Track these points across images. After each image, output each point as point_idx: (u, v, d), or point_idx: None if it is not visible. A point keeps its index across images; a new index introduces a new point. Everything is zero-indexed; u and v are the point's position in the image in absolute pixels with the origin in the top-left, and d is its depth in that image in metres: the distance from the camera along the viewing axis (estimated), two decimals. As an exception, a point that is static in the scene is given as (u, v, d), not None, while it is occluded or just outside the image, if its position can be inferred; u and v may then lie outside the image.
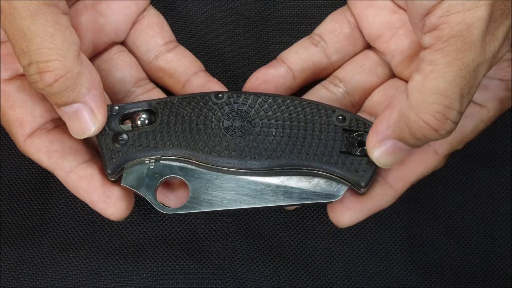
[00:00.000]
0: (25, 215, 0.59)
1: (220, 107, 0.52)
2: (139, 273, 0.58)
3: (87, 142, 0.53)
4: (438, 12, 0.44)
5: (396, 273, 0.59)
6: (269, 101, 0.52)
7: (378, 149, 0.48)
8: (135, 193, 0.52)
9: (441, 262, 0.59)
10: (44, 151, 0.51)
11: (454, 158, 0.60)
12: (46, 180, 0.60)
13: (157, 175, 0.51)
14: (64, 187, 0.52)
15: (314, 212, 0.60)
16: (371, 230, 0.60)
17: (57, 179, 0.52)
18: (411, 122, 0.45)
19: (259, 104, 0.52)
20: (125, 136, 0.51)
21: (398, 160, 0.49)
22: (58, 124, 0.53)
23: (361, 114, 0.55)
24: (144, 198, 0.51)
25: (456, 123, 0.45)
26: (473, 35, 0.43)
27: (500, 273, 0.59)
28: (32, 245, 0.59)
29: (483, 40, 0.44)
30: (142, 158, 0.51)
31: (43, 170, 0.59)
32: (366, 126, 0.51)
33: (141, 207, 0.59)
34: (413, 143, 0.47)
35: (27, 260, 0.58)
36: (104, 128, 0.51)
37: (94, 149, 0.54)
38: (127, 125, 0.52)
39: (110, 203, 0.51)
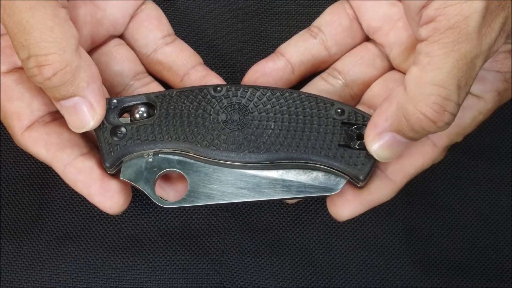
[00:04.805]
0: (23, 209, 0.59)
1: (218, 100, 0.52)
2: (137, 267, 0.58)
3: (85, 135, 0.53)
4: (434, 4, 0.44)
5: (394, 266, 0.59)
6: (267, 94, 0.52)
7: (376, 142, 0.48)
8: (133, 186, 0.52)
9: (439, 256, 0.59)
10: (41, 143, 0.51)
11: (452, 152, 0.60)
12: (44, 174, 0.60)
13: (155, 169, 0.51)
14: (62, 181, 0.52)
15: (313, 206, 0.60)
16: (369, 224, 0.60)
17: (55, 173, 0.52)
18: (409, 114, 0.45)
19: (257, 97, 0.52)
20: (123, 129, 0.51)
21: (396, 153, 0.49)
22: (56, 117, 0.53)
23: (360, 106, 0.55)
24: (142, 192, 0.51)
25: (454, 115, 0.45)
26: (469, 26, 0.43)
27: (498, 267, 0.59)
28: (31, 239, 0.59)
29: (480, 31, 0.44)
30: (141, 152, 0.51)
31: (41, 164, 0.59)
32: (364, 119, 0.51)
33: (139, 200, 0.59)
34: (412, 135, 0.47)
35: (26, 253, 0.58)
36: (102, 122, 0.51)
37: (92, 142, 0.54)
38: (126, 119, 0.52)
39: (108, 196, 0.51)
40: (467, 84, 0.45)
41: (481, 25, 0.43)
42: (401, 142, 0.48)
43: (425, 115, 0.45)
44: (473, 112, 0.53)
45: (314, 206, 0.60)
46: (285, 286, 0.58)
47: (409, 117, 0.45)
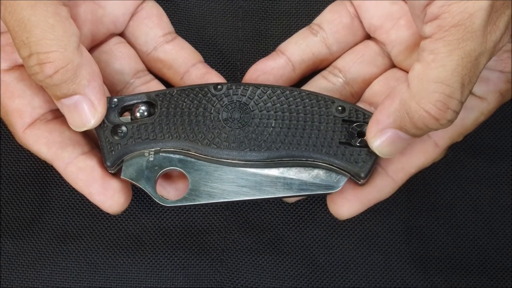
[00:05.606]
0: (24, 208, 0.59)
1: (219, 99, 0.52)
2: (138, 266, 0.58)
3: (86, 134, 0.53)
4: (439, 1, 0.44)
5: (394, 265, 0.59)
6: (268, 92, 0.52)
7: (378, 139, 0.48)
8: (134, 185, 0.52)
9: (439, 255, 0.59)
10: (43, 141, 0.51)
11: (453, 151, 0.60)
12: (45, 173, 0.60)
13: (156, 167, 0.51)
14: (63, 180, 0.52)
15: (313, 204, 0.60)
16: (369, 222, 0.60)
17: (56, 171, 0.52)
18: (412, 111, 0.45)
19: (258, 95, 0.52)
20: (124, 128, 0.51)
21: (398, 149, 0.49)
22: (57, 115, 0.52)
23: (360, 104, 0.55)
24: (143, 191, 0.51)
25: (457, 113, 0.45)
26: (474, 24, 0.43)
27: (498, 266, 0.59)
28: (31, 238, 0.59)
29: (485, 29, 0.44)
30: (142, 151, 0.51)
31: (41, 162, 0.59)
32: (365, 116, 0.51)
33: (140, 199, 0.59)
34: (414, 132, 0.47)
35: (26, 252, 0.58)
36: (103, 121, 0.51)
37: (93, 141, 0.54)
38: (126, 117, 0.52)
39: (108, 195, 0.51)
40: (470, 82, 0.45)
41: (486, 23, 0.43)
42: (403, 139, 0.48)
43: (428, 112, 0.45)
44: (475, 113, 0.53)
45: (315, 204, 0.60)
46: (285, 284, 0.58)
47: (412, 114, 0.45)
